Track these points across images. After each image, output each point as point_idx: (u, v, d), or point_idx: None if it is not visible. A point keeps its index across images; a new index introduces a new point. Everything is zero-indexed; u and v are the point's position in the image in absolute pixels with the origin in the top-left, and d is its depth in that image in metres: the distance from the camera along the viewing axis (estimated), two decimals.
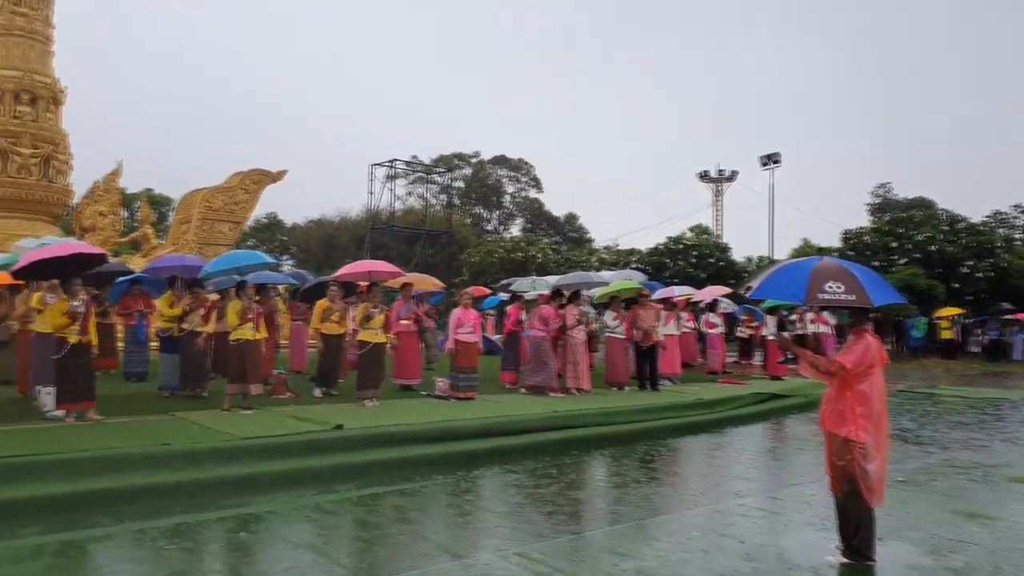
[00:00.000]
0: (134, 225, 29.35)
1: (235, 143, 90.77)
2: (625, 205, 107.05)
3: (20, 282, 10.09)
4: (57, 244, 9.43)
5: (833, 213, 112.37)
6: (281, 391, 10.92)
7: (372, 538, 5.71)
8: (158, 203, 46.19)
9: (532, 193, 70.11)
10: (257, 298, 9.99)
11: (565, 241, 58.93)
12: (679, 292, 17.44)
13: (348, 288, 12.15)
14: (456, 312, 11.50)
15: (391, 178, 39.86)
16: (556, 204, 68.66)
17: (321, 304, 11.30)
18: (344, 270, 12.11)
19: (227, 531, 5.77)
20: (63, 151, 21.55)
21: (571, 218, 68.65)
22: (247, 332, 9.45)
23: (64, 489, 6.16)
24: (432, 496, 6.96)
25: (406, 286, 12.21)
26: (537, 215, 68.57)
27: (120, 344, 13.31)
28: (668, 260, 39.00)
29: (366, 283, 11.71)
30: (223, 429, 8.01)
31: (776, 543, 5.60)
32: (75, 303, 8.32)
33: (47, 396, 8.68)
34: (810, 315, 16.74)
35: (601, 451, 9.34)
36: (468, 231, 56.71)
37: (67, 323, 8.26)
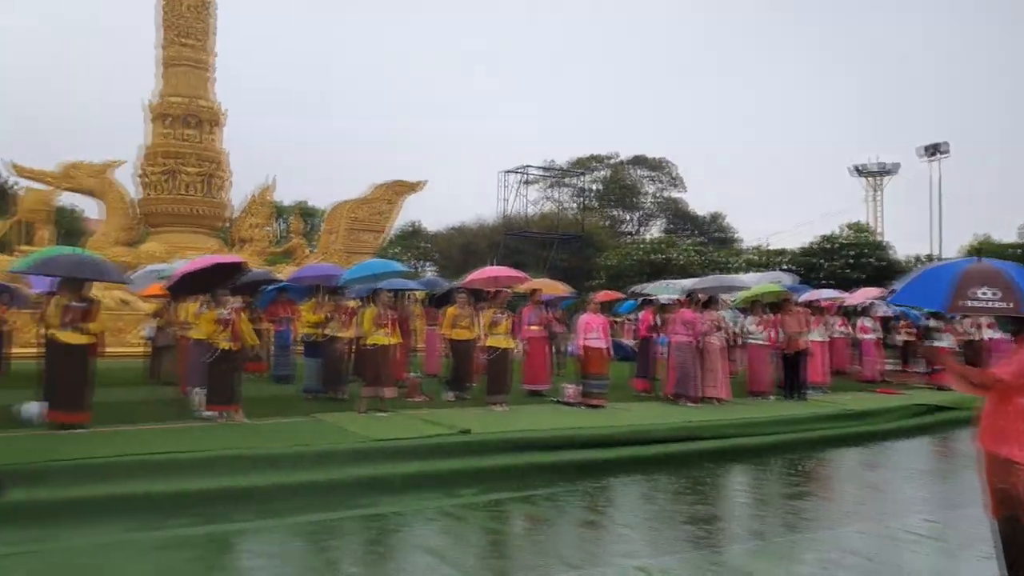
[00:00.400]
0: (288, 236, 31.21)
1: (376, 153, 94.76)
2: (775, 203, 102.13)
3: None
4: (200, 258, 10.10)
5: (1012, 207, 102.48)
6: (415, 394, 11.16)
7: (493, 544, 5.66)
8: (309, 215, 48.90)
9: (673, 193, 68.03)
10: (392, 304, 10.27)
11: (710, 242, 57.03)
12: (826, 295, 16.39)
13: (478, 294, 12.26)
14: (583, 317, 11.33)
15: (526, 183, 40.07)
16: (699, 203, 66.15)
17: (450, 310, 11.46)
18: (471, 276, 12.25)
19: (357, 531, 5.90)
20: (223, 169, 23.28)
21: (716, 217, 66.02)
22: (381, 337, 9.74)
23: (210, 485, 6.51)
24: (556, 504, 6.83)
25: (534, 292, 12.19)
26: (679, 215, 66.53)
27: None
28: (821, 260, 36.79)
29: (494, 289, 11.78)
30: (357, 431, 8.26)
31: (935, 571, 5.05)
32: (223, 311, 8.86)
33: (199, 397, 9.28)
34: (985, 319, 15.24)
35: (739, 464, 8.88)
36: (604, 234, 55.96)
37: (217, 330, 8.81)
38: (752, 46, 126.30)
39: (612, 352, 11.85)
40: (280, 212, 46.11)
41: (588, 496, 7.16)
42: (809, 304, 14.72)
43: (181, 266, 10.02)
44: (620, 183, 66.28)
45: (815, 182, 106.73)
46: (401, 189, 26.20)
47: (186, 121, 22.49)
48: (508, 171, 27.27)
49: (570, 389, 11.24)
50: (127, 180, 23.22)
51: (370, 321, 9.76)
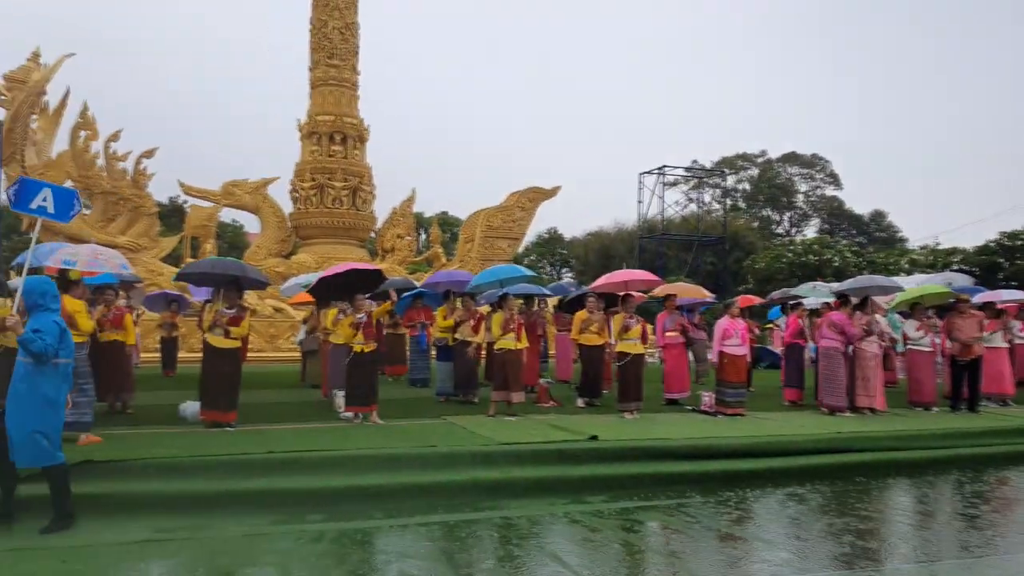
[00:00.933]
0: (429, 245, 32.17)
1: (515, 161, 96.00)
2: (946, 198, 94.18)
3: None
4: (338, 264, 10.54)
5: None
6: (544, 400, 11.09)
7: (622, 554, 5.44)
8: (450, 224, 50.27)
9: (829, 190, 64.33)
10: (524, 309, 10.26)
11: (871, 242, 53.45)
12: (1007, 296, 14.76)
13: (610, 299, 12.01)
14: (722, 323, 10.83)
15: (670, 185, 39.10)
16: (859, 201, 62.04)
17: (580, 315, 11.30)
18: (601, 281, 12.03)
19: (482, 533, 5.86)
20: (367, 182, 24.30)
21: (877, 216, 61.69)
22: (508, 342, 9.75)
23: (342, 483, 6.72)
24: (688, 516, 6.51)
25: (669, 297, 11.80)
26: (836, 214, 62.68)
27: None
28: (1002, 260, 33.43)
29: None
30: (484, 434, 8.28)
31: None
32: (359, 316, 9.17)
33: (339, 399, 9.65)
34: None
35: (895, 479, 8.15)
36: (753, 235, 53.62)
37: (353, 333, 9.12)
38: (915, 33, 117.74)
39: (757, 359, 11.25)
40: (422, 222, 47.73)
41: (723, 508, 6.79)
42: (986, 306, 13.30)
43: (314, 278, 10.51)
44: (770, 182, 63.36)
45: (986, 177, 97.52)
46: (535, 196, 26.30)
47: (333, 138, 23.67)
48: (646, 172, 26.74)
49: (707, 397, 10.79)
50: (282, 196, 24.77)
51: (498, 326, 9.79)
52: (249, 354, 18.47)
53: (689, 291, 12.66)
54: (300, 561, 5.16)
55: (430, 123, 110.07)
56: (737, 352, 10.62)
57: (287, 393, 12.42)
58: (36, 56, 18.88)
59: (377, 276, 9.99)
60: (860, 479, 8.04)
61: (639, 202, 26.84)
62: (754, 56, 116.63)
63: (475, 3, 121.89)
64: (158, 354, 15.35)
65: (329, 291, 10.22)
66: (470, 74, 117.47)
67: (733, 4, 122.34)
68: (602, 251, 56.30)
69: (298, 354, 14.57)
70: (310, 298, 11.85)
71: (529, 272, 12.15)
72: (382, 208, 25.81)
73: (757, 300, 15.43)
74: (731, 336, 10.63)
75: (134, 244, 20.07)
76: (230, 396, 8.69)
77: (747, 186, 65.38)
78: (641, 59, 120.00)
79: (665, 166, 26.38)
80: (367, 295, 9.55)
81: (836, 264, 38.00)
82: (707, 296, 13.08)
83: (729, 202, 64.14)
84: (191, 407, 9.09)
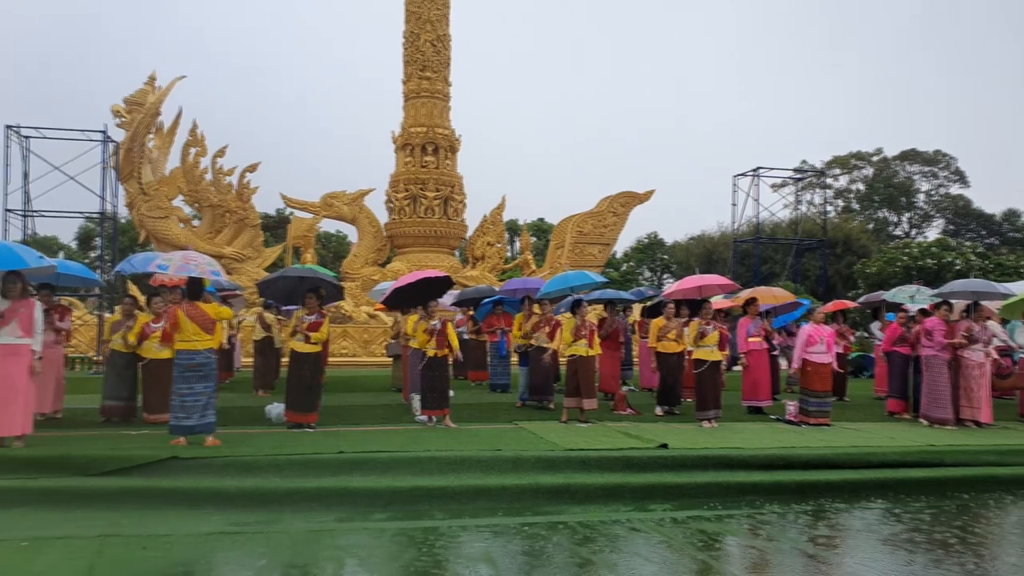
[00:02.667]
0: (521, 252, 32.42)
1: (611, 164, 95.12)
2: None
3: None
4: (410, 274, 10.80)
5: None
6: (621, 407, 11.00)
7: (670, 561, 5.35)
8: (545, 231, 50.42)
9: (955, 189, 60.26)
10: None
11: (1003, 243, 49.78)
12: None
13: (693, 305, 11.79)
14: (806, 329, 10.45)
15: (777, 187, 37.79)
16: (989, 200, 57.45)
17: (657, 322, 11.15)
18: (675, 286, 11.81)
19: (538, 536, 5.88)
20: (459, 192, 24.76)
21: (1011, 215, 57.01)
22: (580, 348, 9.76)
23: (410, 483, 6.90)
24: (757, 527, 6.32)
25: (751, 301, 11.47)
26: (962, 214, 58.41)
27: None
28: None
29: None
30: (552, 439, 8.32)
31: None
32: (433, 322, 9.40)
33: (416, 402, 9.91)
34: None
35: (998, 496, 7.61)
36: (867, 238, 50.90)
37: (427, 339, 9.36)
38: None
39: (861, 367, 10.77)
40: (516, 229, 48.11)
41: (794, 519, 6.56)
42: None
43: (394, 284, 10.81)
44: (887, 181, 60.03)
45: None
46: (628, 200, 26.10)
47: (425, 149, 24.26)
48: (740, 175, 26.02)
49: (791, 407, 10.44)
50: (378, 207, 25.56)
51: (569, 332, 9.81)
52: (344, 359, 19.35)
53: (772, 296, 12.24)
54: (359, 557, 5.35)
55: (526, 128, 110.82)
56: (821, 360, 10.22)
57: (372, 396, 12.84)
58: (152, 80, 20.32)
59: (447, 283, 10.21)
60: (954, 494, 7.57)
61: (733, 205, 26.15)
62: (871, 49, 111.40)
63: (562, 4, 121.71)
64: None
65: (403, 300, 10.51)
66: (562, 77, 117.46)
67: None
68: (705, 255, 55.04)
69: (389, 359, 15.00)
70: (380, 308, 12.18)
71: (600, 278, 12.08)
72: (474, 216, 26.24)
73: (849, 304, 14.73)
74: (815, 343, 10.23)
75: (239, 255, 21.22)
76: (311, 398, 9.08)
77: (861, 186, 62.25)
78: (744, 57, 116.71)
79: (760, 168, 25.54)
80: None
81: (958, 267, 35.62)
82: (791, 301, 12.60)
83: (841, 203, 61.23)
84: (276, 408, 9.55)
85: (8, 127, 18.82)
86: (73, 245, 56.28)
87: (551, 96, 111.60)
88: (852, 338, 15.85)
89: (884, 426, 10.37)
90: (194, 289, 8.14)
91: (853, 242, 47.13)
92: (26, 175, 18.86)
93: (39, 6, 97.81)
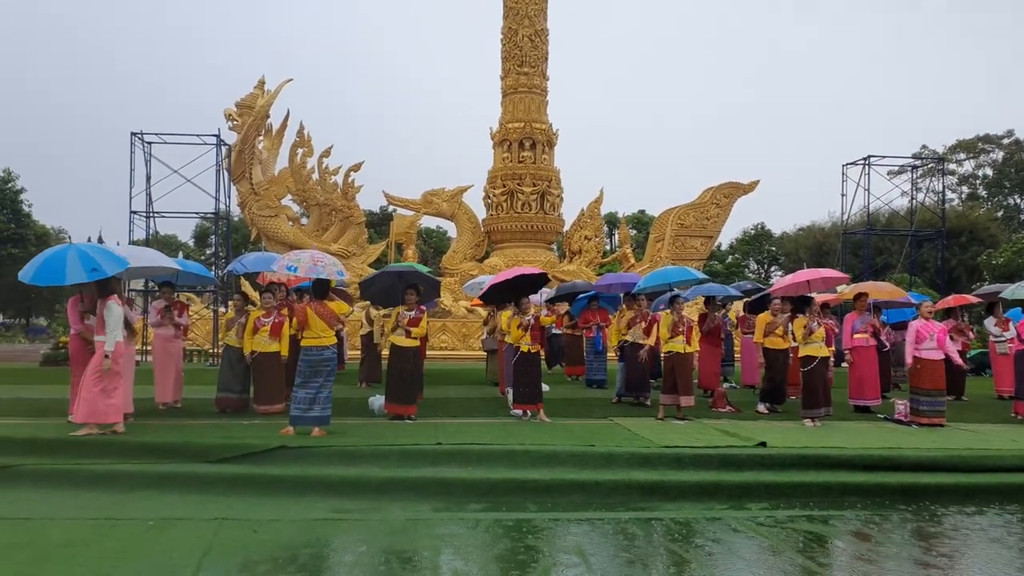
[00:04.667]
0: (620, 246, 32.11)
1: (708, 157, 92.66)
2: None
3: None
4: (506, 270, 10.91)
5: None
6: (720, 405, 10.79)
7: (770, 563, 5.23)
8: (645, 224, 49.72)
9: None
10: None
11: None
12: None
13: (796, 301, 11.40)
14: (915, 325, 9.93)
15: (894, 174, 35.87)
16: None
17: (763, 318, 10.85)
18: (783, 281, 11.43)
19: (630, 531, 5.88)
20: (555, 186, 24.80)
21: None
22: (677, 345, 9.63)
23: (504, 476, 7.01)
24: (862, 529, 6.09)
25: (859, 296, 10.99)
26: None
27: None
28: None
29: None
30: (646, 436, 8.26)
31: None
32: (527, 318, 9.49)
33: (510, 397, 10.03)
34: None
35: None
36: (996, 227, 47.45)
37: (521, 334, 9.46)
38: None
39: (983, 365, 10.17)
40: (615, 222, 47.68)
41: (908, 525, 6.27)
42: None
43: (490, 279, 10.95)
44: (1020, 166, 55.85)
45: None
46: (731, 191, 25.44)
47: (523, 144, 24.41)
48: (850, 164, 24.85)
49: (901, 406, 9.97)
50: (476, 203, 25.95)
51: (666, 328, 9.69)
52: (443, 352, 19.76)
53: (882, 291, 11.67)
54: (455, 546, 5.49)
55: (627, 120, 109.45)
56: (932, 356, 9.70)
57: (470, 390, 13.08)
58: (261, 84, 21.32)
59: (543, 279, 10.27)
60: None
61: (842, 196, 25.00)
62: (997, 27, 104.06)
63: None
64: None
65: (500, 295, 10.65)
66: (665, 65, 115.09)
67: None
68: (815, 247, 52.90)
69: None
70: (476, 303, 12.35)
71: (699, 274, 11.84)
72: (572, 209, 26.22)
73: (967, 299, 13.86)
74: (925, 339, 9.72)
75: (345, 251, 22.00)
76: (411, 391, 9.35)
77: (989, 171, 58.15)
78: (863, 38, 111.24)
79: (871, 156, 24.29)
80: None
81: None
82: (901, 296, 11.98)
83: (967, 190, 57.48)
84: (378, 400, 9.88)
85: (133, 134, 20.16)
86: (190, 243, 59.85)
87: (653, 86, 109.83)
88: (971, 334, 14.94)
89: (1007, 428, 9.74)
90: (321, 288, 8.55)
91: (980, 231, 44.17)
92: (148, 178, 20.16)
93: (156, 24, 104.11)
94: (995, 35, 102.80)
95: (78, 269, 7.80)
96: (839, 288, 12.43)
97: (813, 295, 10.71)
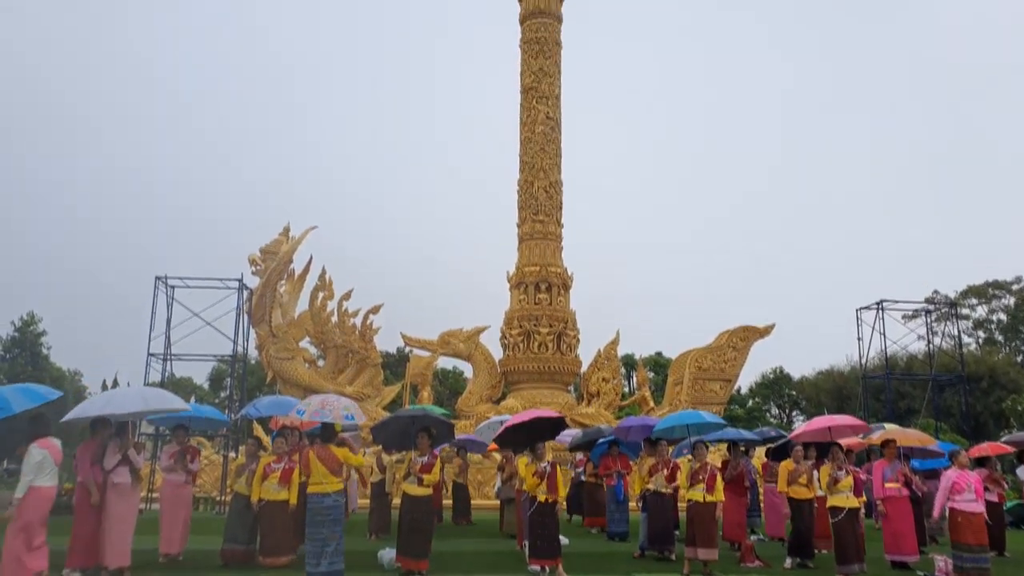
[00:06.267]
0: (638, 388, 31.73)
1: (720, 302, 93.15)
2: None
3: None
4: (523, 412, 10.71)
5: None
6: (749, 559, 10.21)
7: None
8: (663, 366, 49.34)
9: None
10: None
11: None
12: None
13: (821, 447, 11.04)
14: (950, 474, 9.50)
15: (908, 318, 35.79)
16: None
17: (785, 465, 10.47)
18: (803, 428, 11.12)
19: None
20: (572, 327, 24.89)
21: None
22: (697, 494, 9.27)
23: None
24: None
25: (888, 443, 10.63)
26: None
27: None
28: None
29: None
30: None
31: None
32: (542, 464, 9.20)
33: (528, 550, 9.55)
34: None
35: None
36: (1017, 371, 46.63)
37: (537, 483, 9.13)
38: None
39: (1001, 518, 9.68)
40: (631, 364, 47.35)
41: None
42: None
43: (507, 419, 10.72)
44: None
45: None
46: (748, 334, 25.41)
47: (539, 287, 24.78)
48: (864, 308, 24.86)
49: (942, 562, 9.40)
50: (493, 343, 25.97)
51: (685, 476, 9.35)
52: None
53: (910, 438, 11.29)
54: None
55: (640, 261, 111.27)
56: (972, 509, 9.21)
57: (484, 542, 12.49)
58: (286, 230, 22.02)
59: (560, 424, 10.05)
60: None
61: (858, 340, 24.86)
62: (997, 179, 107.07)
63: (682, 139, 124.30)
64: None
65: (516, 438, 10.40)
66: (677, 208, 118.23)
67: (970, 114, 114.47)
68: (835, 391, 52.15)
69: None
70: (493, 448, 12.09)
71: (716, 419, 11.57)
72: (588, 351, 26.21)
73: (1005, 448, 13.33)
74: (962, 490, 9.26)
75: (360, 393, 21.85)
76: (423, 544, 8.91)
77: (1003, 316, 58.09)
78: (869, 189, 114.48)
79: (884, 300, 24.32)
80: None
81: None
82: (933, 444, 11.58)
83: (983, 334, 57.23)
84: (388, 554, 9.42)
85: (157, 278, 20.63)
86: (205, 385, 59.86)
87: (666, 228, 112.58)
88: (1005, 484, 14.28)
89: None
90: (326, 433, 8.39)
91: (1000, 376, 43.49)
92: (168, 321, 20.43)
93: (192, 165, 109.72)
94: (996, 182, 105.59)
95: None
96: (861, 435, 12.05)
97: (840, 442, 10.37)
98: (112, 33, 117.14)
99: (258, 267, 21.20)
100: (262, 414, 10.79)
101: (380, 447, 13.74)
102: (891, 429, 12.24)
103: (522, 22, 27.50)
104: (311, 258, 22.97)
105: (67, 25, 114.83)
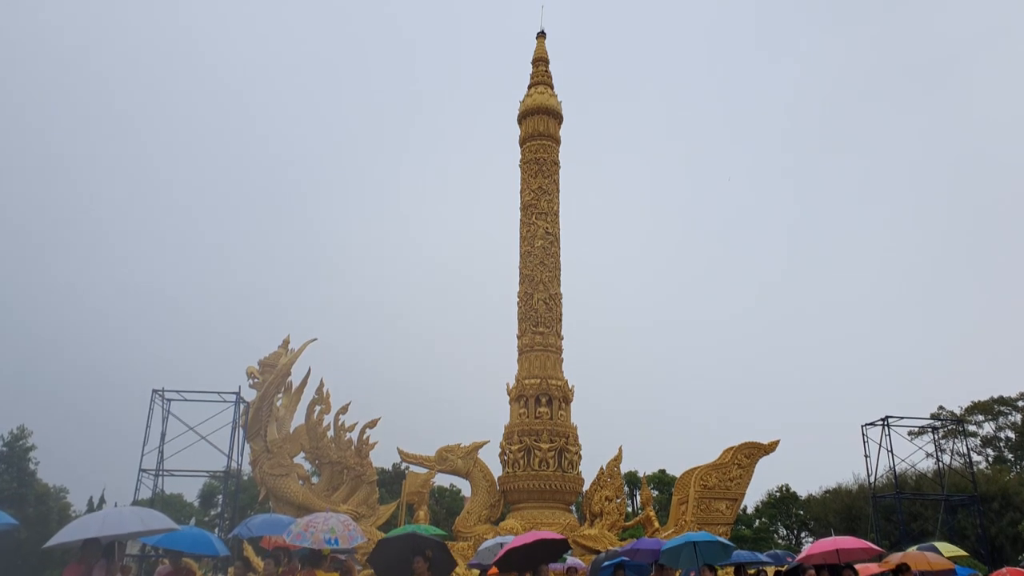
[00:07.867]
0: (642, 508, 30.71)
1: (722, 415, 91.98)
2: None
3: None
4: (523, 534, 10.30)
5: None
6: None
7: None
8: (666, 484, 48.12)
9: None
10: None
11: None
12: None
13: (834, 571, 10.55)
14: None
15: (914, 435, 35.27)
16: None
17: None
18: (809, 550, 10.68)
19: None
20: (573, 443, 24.38)
21: None
22: None
23: None
24: None
25: (901, 568, 10.16)
26: None
27: None
28: None
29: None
30: None
31: None
32: None
33: None
34: None
35: None
36: None
37: None
38: None
39: None
40: (635, 482, 46.23)
41: None
42: None
43: (508, 541, 10.29)
44: None
45: None
46: (752, 451, 24.85)
47: (539, 400, 24.43)
48: (869, 424, 24.52)
49: None
50: (492, 459, 25.35)
51: None
52: None
53: (921, 561, 10.77)
54: None
55: (642, 377, 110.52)
56: None
57: None
58: (286, 343, 21.93)
59: (563, 545, 9.62)
60: None
61: (865, 457, 24.40)
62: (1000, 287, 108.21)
63: (683, 246, 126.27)
64: None
65: (518, 562, 9.91)
66: (678, 324, 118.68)
67: (963, 222, 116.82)
68: (844, 510, 50.60)
69: None
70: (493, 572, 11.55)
71: (720, 540, 11.13)
72: (590, 468, 25.55)
73: None
74: None
75: (355, 512, 21.11)
76: None
77: (1011, 434, 57.24)
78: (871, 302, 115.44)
79: (889, 416, 24.04)
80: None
81: None
82: (948, 567, 11.08)
83: (991, 452, 56.24)
84: None
85: (154, 391, 20.40)
86: (196, 503, 58.10)
87: (668, 342, 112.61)
88: None
89: None
90: (313, 557, 8.05)
91: (1013, 496, 42.36)
92: (163, 436, 20.05)
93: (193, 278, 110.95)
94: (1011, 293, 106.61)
95: None
96: (889, 558, 11.54)
97: (855, 565, 9.92)
98: (114, 149, 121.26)
99: (256, 380, 20.99)
100: (254, 534, 10.35)
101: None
102: (907, 553, 11.73)
103: (522, 144, 28.44)
104: (309, 370, 22.80)
105: (75, 147, 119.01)
